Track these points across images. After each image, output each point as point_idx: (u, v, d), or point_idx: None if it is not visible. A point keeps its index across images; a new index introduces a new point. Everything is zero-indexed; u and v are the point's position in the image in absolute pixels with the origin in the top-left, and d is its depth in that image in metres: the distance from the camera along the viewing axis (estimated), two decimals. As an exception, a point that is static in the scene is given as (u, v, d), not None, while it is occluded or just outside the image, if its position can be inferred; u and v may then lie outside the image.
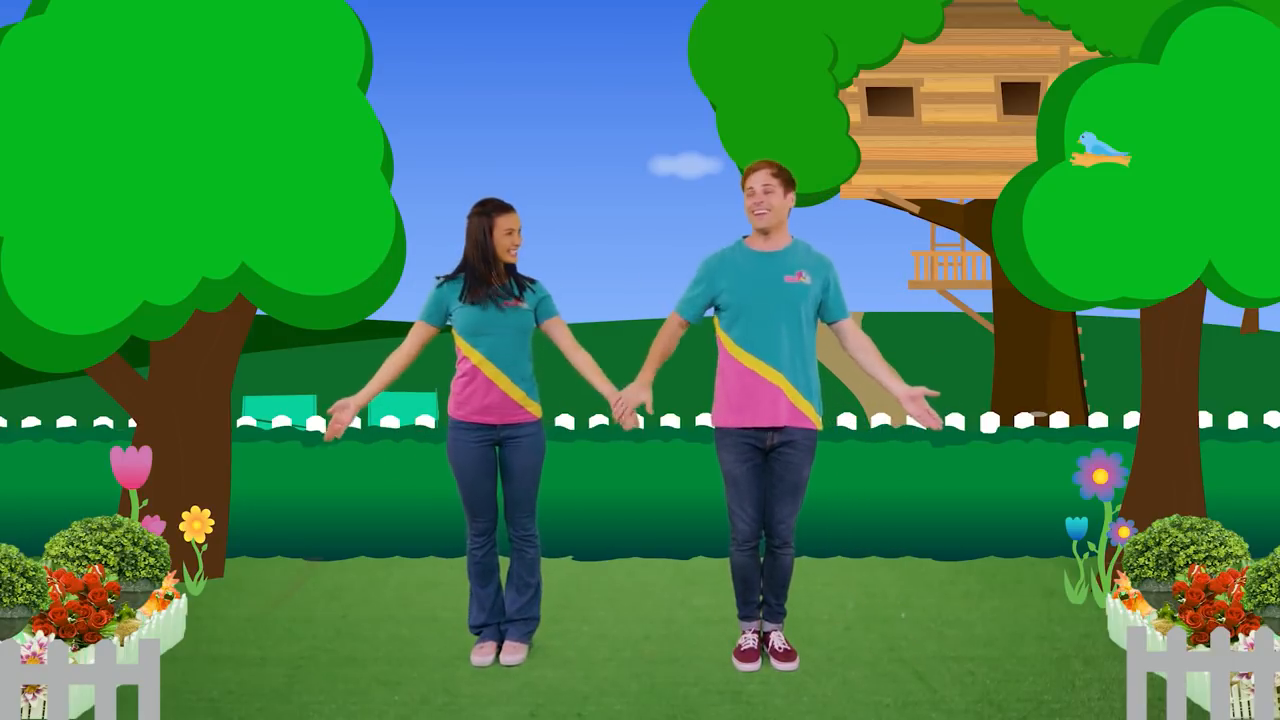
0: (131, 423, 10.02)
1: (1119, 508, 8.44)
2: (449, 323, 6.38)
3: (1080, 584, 7.96)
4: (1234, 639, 5.94)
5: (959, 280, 18.71)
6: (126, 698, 5.43)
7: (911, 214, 14.45)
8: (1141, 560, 6.86)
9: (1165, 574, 6.79)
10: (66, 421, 11.34)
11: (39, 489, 9.60)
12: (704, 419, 10.82)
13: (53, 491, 9.54)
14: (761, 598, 6.37)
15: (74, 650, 5.91)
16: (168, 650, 6.66)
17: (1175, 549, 6.79)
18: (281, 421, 10.79)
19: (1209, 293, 8.61)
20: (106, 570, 6.71)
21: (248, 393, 13.30)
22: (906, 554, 9.55)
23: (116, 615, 6.36)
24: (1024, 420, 10.83)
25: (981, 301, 17.26)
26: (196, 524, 8.13)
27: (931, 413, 6.05)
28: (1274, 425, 10.82)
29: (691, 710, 5.57)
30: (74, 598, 6.18)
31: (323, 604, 7.89)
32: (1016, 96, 13.51)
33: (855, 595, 8.09)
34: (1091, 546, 8.07)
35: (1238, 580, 6.18)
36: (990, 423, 10.47)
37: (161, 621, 6.65)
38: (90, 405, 13.80)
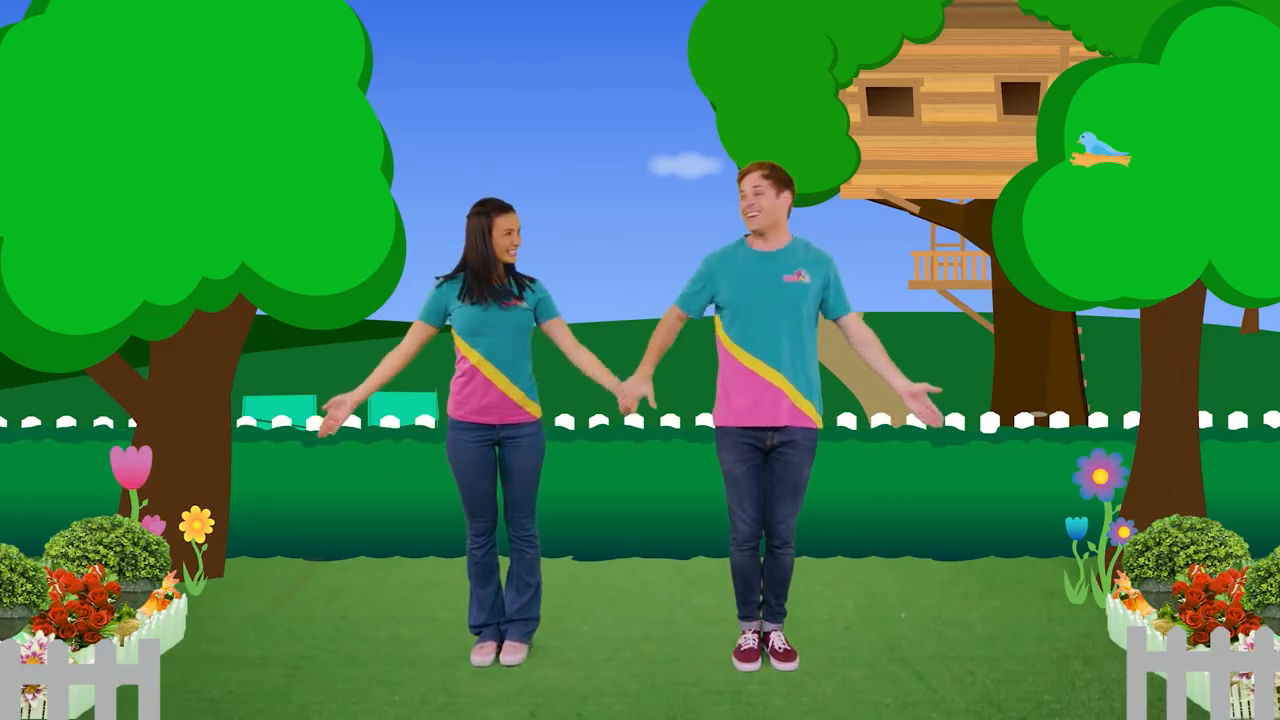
0: (131, 423, 10.02)
1: (1119, 508, 8.44)
2: (448, 322, 6.38)
3: (1080, 584, 7.96)
4: (1234, 639, 5.94)
5: (959, 280, 18.71)
6: (126, 698, 5.43)
7: (911, 214, 14.45)
8: (1141, 560, 6.86)
9: (1165, 574, 6.79)
10: (66, 421, 11.34)
11: (39, 489, 9.60)
12: (704, 419, 10.82)
13: (53, 491, 9.53)
14: (761, 598, 6.37)
15: (74, 650, 5.91)
16: (168, 650, 6.66)
17: (1175, 549, 6.79)
18: (281, 421, 10.79)
19: (1209, 293, 8.61)
20: (106, 570, 6.71)
21: (248, 393, 13.29)
22: (906, 554, 9.55)
23: (116, 615, 6.36)
24: (1024, 420, 10.83)
25: (981, 301, 17.28)
26: (196, 524, 8.13)
27: (933, 409, 6.05)
28: (1274, 425, 10.81)
29: (691, 710, 5.57)
30: (74, 598, 6.18)
31: (323, 604, 7.89)
32: (1016, 96, 13.51)
33: (855, 595, 8.09)
34: (1091, 546, 8.07)
35: (1238, 580, 6.18)
36: (990, 423, 10.47)
37: (161, 621, 6.65)
38: (90, 405, 13.80)
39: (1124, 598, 6.92)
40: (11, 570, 5.78)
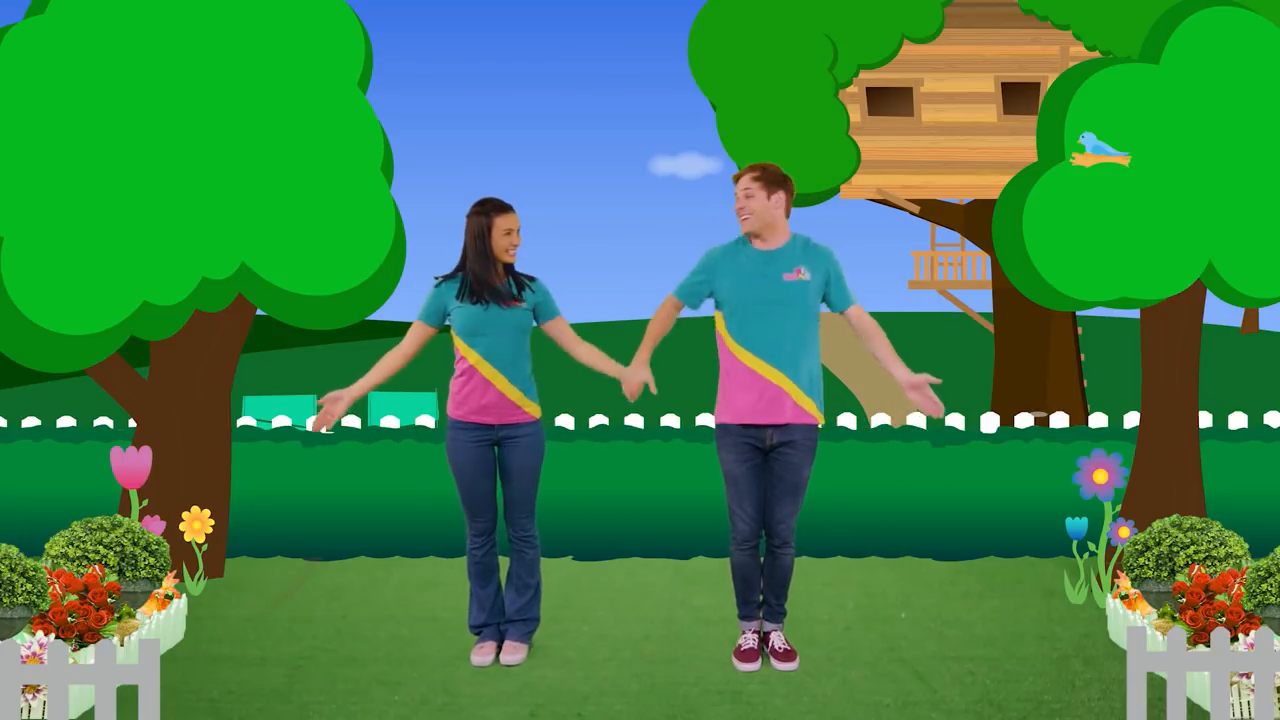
0: (131, 423, 10.02)
1: (1119, 508, 8.44)
2: (447, 322, 6.37)
3: (1080, 584, 7.96)
4: (1234, 639, 5.94)
5: (959, 280, 18.71)
6: (126, 698, 5.43)
7: (911, 214, 14.45)
8: (1141, 560, 6.86)
9: (1165, 574, 6.79)
10: (66, 421, 11.34)
11: (39, 489, 9.60)
12: (704, 419, 10.82)
13: (53, 491, 9.53)
14: (761, 598, 6.38)
15: (74, 650, 5.91)
16: (168, 650, 6.66)
17: (1175, 549, 6.79)
18: (281, 421, 10.79)
19: (1209, 293, 8.61)
20: (106, 570, 6.71)
21: (248, 393, 13.30)
22: (906, 554, 9.55)
23: (116, 615, 6.36)
24: (1024, 420, 10.83)
25: (981, 301, 17.27)
26: (196, 524, 8.13)
27: (934, 399, 6.07)
28: (1274, 425, 10.82)
29: (691, 710, 5.57)
30: (74, 598, 6.18)
31: (323, 604, 7.89)
32: (1016, 96, 13.51)
33: (855, 595, 8.09)
34: (1091, 546, 8.07)
35: (1238, 580, 6.18)
36: (990, 423, 10.47)
37: (161, 621, 6.65)
38: (90, 405, 13.80)
39: (1124, 598, 6.92)
40: (11, 570, 5.78)
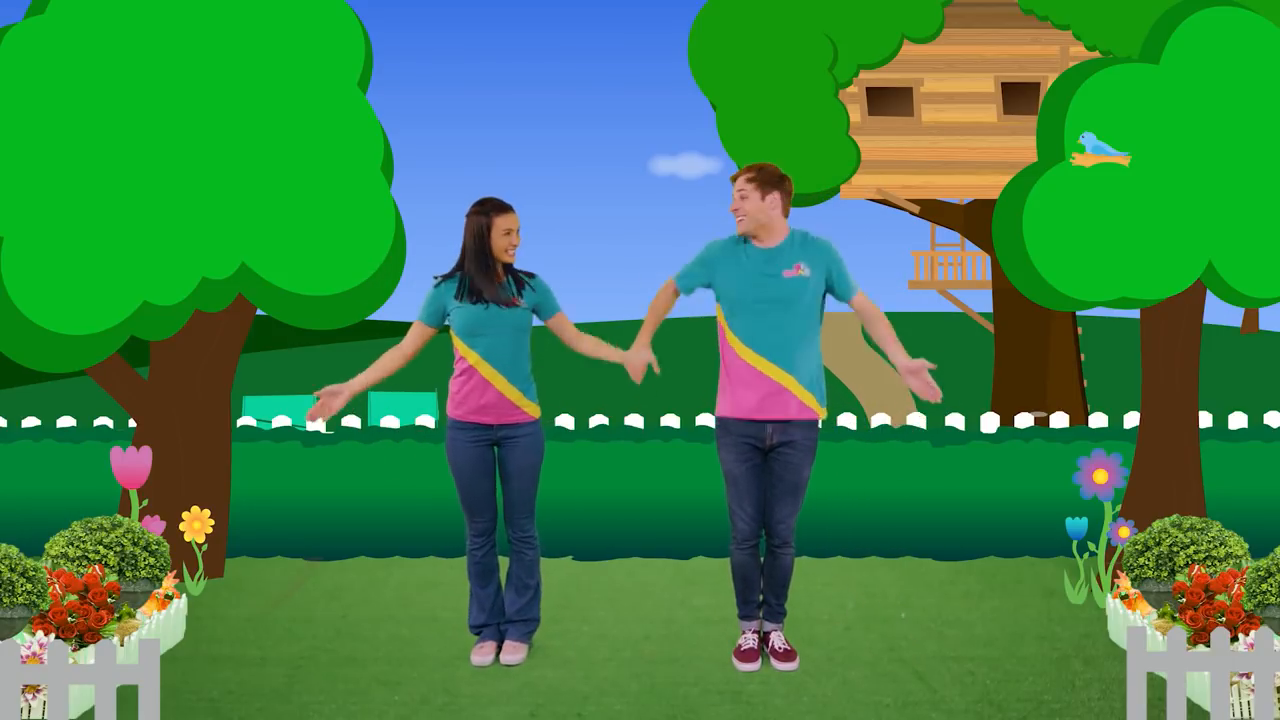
0: (131, 423, 10.02)
1: (1119, 508, 8.44)
2: (447, 322, 6.37)
3: (1080, 584, 7.96)
4: (1234, 639, 5.94)
5: (959, 280, 18.72)
6: (126, 698, 5.43)
7: (911, 214, 14.45)
8: (1141, 560, 6.86)
9: (1165, 574, 6.79)
10: (66, 421, 11.34)
11: (39, 489, 9.59)
12: (704, 419, 10.82)
13: (53, 491, 9.53)
14: (761, 597, 6.38)
15: (74, 650, 5.91)
16: (168, 650, 6.66)
17: (1175, 549, 6.79)
18: (281, 421, 10.79)
19: (1209, 293, 8.61)
20: (106, 570, 6.71)
21: (248, 393, 13.30)
22: (906, 554, 9.55)
23: (116, 615, 6.36)
24: (1024, 420, 10.83)
25: (981, 301, 17.28)
26: (196, 524, 8.13)
27: (932, 384, 6.09)
28: (1274, 425, 10.82)
29: (691, 710, 5.57)
30: (74, 598, 6.18)
31: (323, 604, 7.89)
32: (1016, 96, 13.51)
33: (855, 595, 8.09)
34: (1091, 546, 8.07)
35: (1238, 580, 6.18)
36: (990, 423, 10.47)
37: (161, 621, 6.65)
38: (90, 405, 13.80)
39: (1124, 598, 6.92)
40: (11, 570, 5.78)
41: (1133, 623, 6.61)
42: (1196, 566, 6.34)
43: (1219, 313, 44.41)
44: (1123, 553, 7.08)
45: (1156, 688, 5.71)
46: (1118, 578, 7.17)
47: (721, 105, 10.33)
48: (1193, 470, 8.81)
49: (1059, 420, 10.87)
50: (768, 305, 6.08)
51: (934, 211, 14.62)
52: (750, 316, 6.10)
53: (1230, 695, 5.41)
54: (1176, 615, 6.30)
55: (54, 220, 7.75)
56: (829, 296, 6.28)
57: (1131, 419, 10.69)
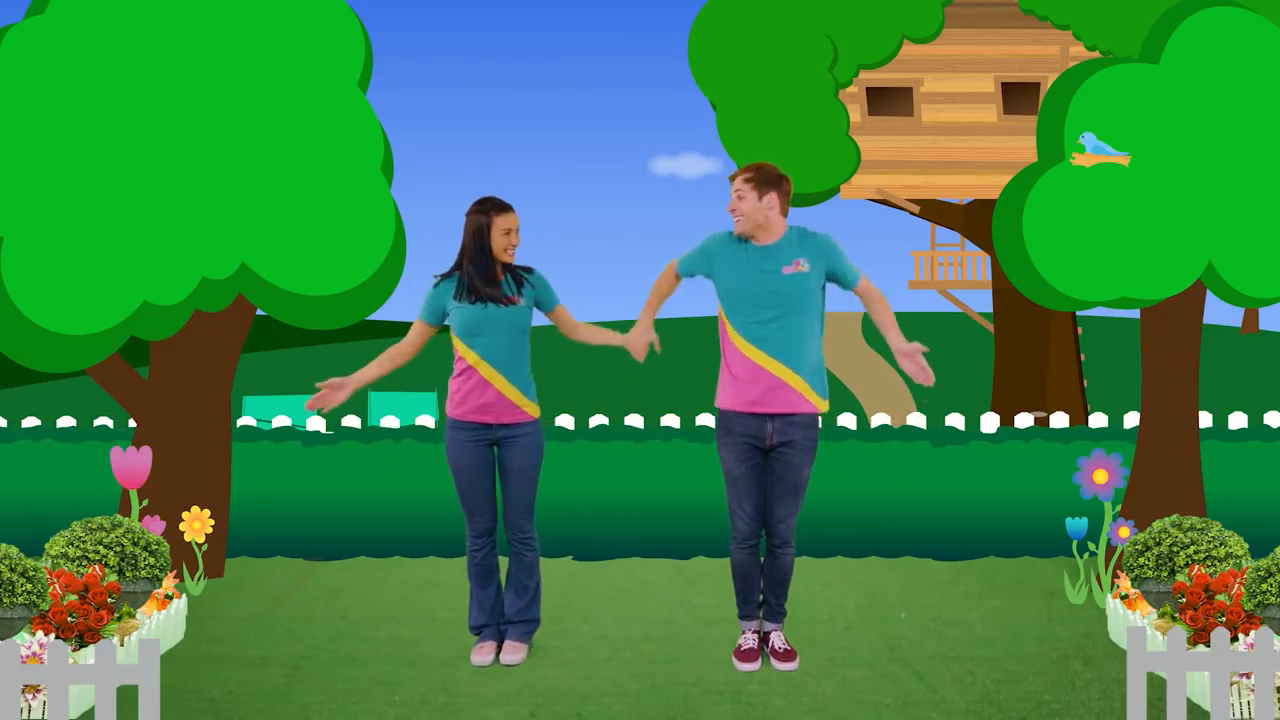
0: (131, 423, 10.02)
1: (1119, 508, 8.44)
2: (447, 322, 6.37)
3: (1080, 584, 7.96)
4: (1234, 639, 5.94)
5: (959, 280, 18.71)
6: (126, 698, 5.43)
7: (911, 214, 14.45)
8: (1141, 560, 6.86)
9: (1165, 574, 6.79)
10: (66, 421, 11.34)
11: (39, 489, 9.59)
12: (704, 419, 10.82)
13: (53, 491, 9.53)
14: (761, 597, 6.38)
15: (74, 650, 5.91)
16: (168, 650, 6.66)
17: (1175, 549, 6.79)
18: (281, 421, 10.79)
19: (1209, 293, 8.61)
20: (106, 570, 6.71)
21: (248, 393, 13.30)
22: (906, 554, 9.54)
23: (116, 615, 6.36)
24: (1024, 420, 10.83)
25: (981, 301, 17.27)
26: (196, 524, 8.13)
27: (925, 368, 6.11)
28: (1274, 425, 10.82)
29: (691, 710, 5.57)
30: (74, 598, 6.18)
31: (323, 604, 7.89)
32: (1016, 96, 13.50)
33: (855, 595, 8.09)
34: (1091, 546, 8.07)
35: (1238, 580, 6.18)
36: (990, 423, 10.47)
37: (161, 621, 6.65)
38: (90, 405, 13.80)
39: (1124, 598, 6.92)
40: (11, 570, 5.78)
41: (1133, 623, 6.61)
42: (1196, 566, 6.34)
43: (1219, 313, 44.44)
44: (1123, 553, 7.08)
45: (1156, 688, 5.71)
46: (1118, 578, 7.17)
47: (721, 105, 10.33)
48: (1193, 470, 8.81)
49: (1059, 420, 10.87)
50: (767, 300, 6.09)
51: (934, 211, 14.62)
52: (750, 312, 6.11)
53: (1230, 695, 5.41)
54: (1176, 615, 6.29)
55: (54, 220, 7.75)
56: (834, 289, 6.31)
57: (1131, 419, 10.69)
